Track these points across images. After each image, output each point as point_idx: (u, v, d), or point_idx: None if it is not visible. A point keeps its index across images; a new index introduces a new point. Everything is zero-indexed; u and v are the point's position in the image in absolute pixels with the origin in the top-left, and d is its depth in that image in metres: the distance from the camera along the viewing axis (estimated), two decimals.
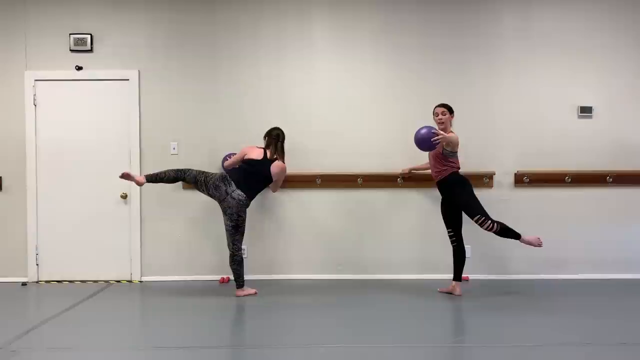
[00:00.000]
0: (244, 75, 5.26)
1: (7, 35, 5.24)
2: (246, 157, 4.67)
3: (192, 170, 4.66)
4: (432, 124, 4.57)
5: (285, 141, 4.79)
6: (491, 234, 4.49)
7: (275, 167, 4.66)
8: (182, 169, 4.67)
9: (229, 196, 4.50)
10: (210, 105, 5.26)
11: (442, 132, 4.34)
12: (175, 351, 3.35)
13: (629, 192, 5.25)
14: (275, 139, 4.73)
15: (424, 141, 4.37)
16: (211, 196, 4.60)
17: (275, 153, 4.69)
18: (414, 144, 4.42)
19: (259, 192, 4.70)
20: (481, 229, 4.47)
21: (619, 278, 5.19)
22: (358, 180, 5.22)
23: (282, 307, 4.31)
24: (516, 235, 4.47)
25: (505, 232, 4.46)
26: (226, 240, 4.62)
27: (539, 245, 4.50)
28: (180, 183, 5.18)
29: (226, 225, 4.58)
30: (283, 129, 4.80)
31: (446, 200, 4.66)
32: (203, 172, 4.64)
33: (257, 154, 4.65)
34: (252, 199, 4.63)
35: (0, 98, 5.26)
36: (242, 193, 4.52)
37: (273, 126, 4.84)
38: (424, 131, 4.37)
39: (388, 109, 5.26)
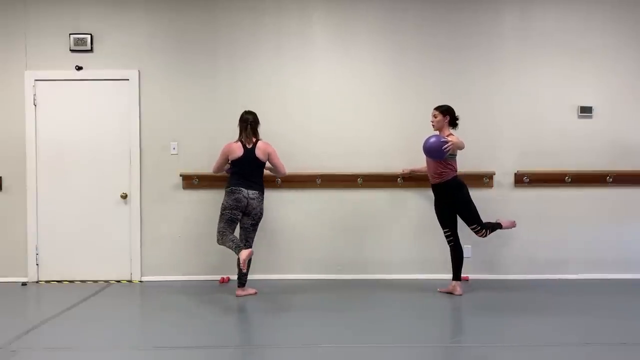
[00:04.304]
0: (243, 75, 5.25)
1: (7, 35, 5.24)
2: (230, 159, 4.61)
3: (220, 222, 4.51)
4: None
5: (258, 122, 4.64)
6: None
7: (259, 151, 4.58)
8: (223, 232, 4.43)
9: (248, 199, 4.52)
10: (210, 105, 5.26)
11: (450, 139, 4.36)
12: (175, 351, 3.35)
13: (629, 192, 5.25)
14: (244, 123, 4.62)
15: (434, 150, 4.40)
16: (243, 213, 4.57)
17: (248, 138, 4.57)
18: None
19: (262, 177, 4.65)
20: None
21: (619, 278, 5.19)
22: (358, 180, 5.22)
23: (282, 307, 4.32)
24: (499, 226, 4.72)
25: (493, 229, 4.67)
26: (239, 237, 4.61)
27: (514, 226, 4.82)
28: (180, 183, 5.21)
29: (245, 224, 4.60)
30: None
31: (442, 201, 4.66)
32: (223, 212, 4.51)
33: (237, 152, 4.56)
34: (263, 191, 4.64)
35: (0, 98, 5.25)
36: (254, 191, 4.55)
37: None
38: (433, 139, 4.41)
39: (388, 109, 5.26)
